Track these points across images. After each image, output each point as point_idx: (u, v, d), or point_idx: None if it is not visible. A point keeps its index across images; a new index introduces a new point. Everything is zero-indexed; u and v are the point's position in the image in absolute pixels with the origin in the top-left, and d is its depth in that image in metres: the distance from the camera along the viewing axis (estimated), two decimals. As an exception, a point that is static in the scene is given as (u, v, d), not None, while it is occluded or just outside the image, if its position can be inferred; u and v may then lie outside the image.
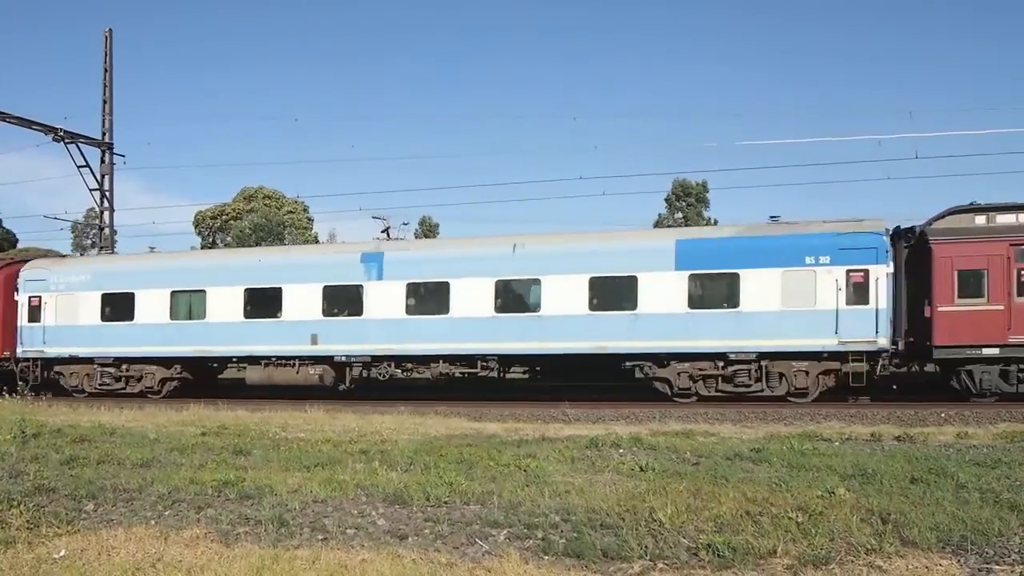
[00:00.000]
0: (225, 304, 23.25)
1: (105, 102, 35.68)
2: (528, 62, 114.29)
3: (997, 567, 6.25)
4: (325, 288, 22.51)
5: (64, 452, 11.85)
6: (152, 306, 23.89)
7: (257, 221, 51.04)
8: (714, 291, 20.07)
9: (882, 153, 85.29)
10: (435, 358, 21.95)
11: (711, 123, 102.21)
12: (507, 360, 22.48)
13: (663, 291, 20.09)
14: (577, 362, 21.35)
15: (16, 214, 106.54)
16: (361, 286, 22.27)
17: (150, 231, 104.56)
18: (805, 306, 19.21)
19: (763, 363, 19.58)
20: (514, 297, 21.41)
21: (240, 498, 8.79)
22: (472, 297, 21.25)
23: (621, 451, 11.41)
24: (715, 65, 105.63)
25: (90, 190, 35.59)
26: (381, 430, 14.61)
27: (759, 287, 19.49)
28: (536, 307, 20.97)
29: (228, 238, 52.79)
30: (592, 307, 20.57)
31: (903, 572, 6.22)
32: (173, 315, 23.80)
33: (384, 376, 22.40)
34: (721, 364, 19.84)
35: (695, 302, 20.02)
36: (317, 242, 50.55)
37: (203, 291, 23.56)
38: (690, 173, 48.14)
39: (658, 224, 47.20)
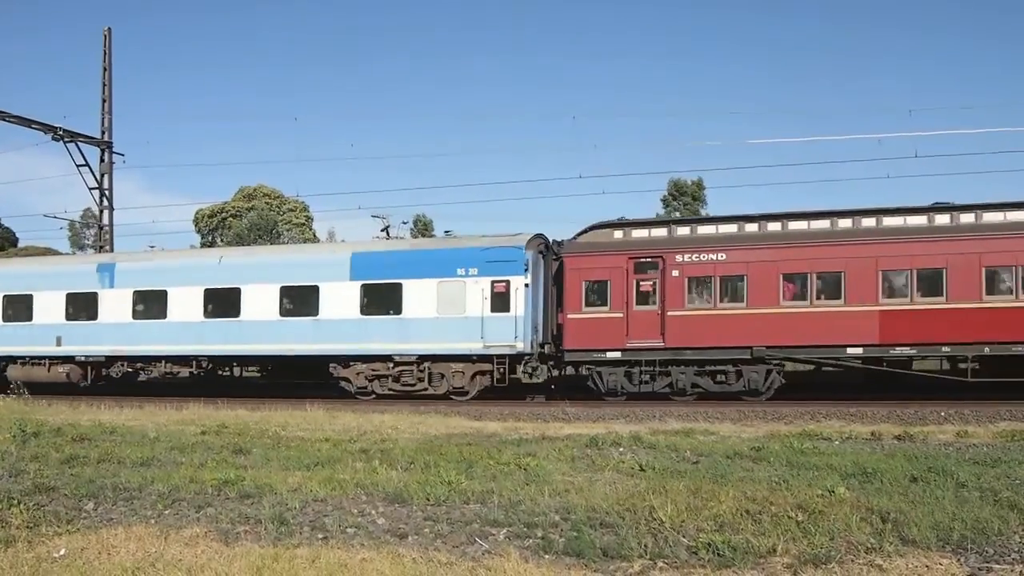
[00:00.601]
0: None
1: (104, 101, 35.66)
2: (527, 62, 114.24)
3: (997, 566, 6.25)
4: (68, 295, 25.17)
5: (64, 451, 11.84)
6: None
7: (253, 220, 51.03)
8: (382, 299, 22.15)
9: (882, 151, 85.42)
10: (158, 358, 24.65)
11: (710, 122, 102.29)
12: (217, 360, 24.92)
13: (340, 299, 22.36)
14: (276, 362, 24.22)
15: (16, 213, 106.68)
16: (97, 293, 24.87)
17: (150, 230, 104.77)
18: (457, 313, 21.31)
19: (426, 364, 21.67)
20: (220, 304, 23.69)
21: (240, 497, 8.79)
22: (186, 303, 23.80)
23: (621, 450, 11.41)
24: (714, 64, 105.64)
25: (89, 189, 35.63)
26: (381, 429, 14.62)
27: (419, 296, 21.69)
28: (237, 313, 23.29)
29: (228, 236, 52.79)
30: (282, 313, 23.02)
31: (903, 571, 6.22)
32: None
33: (118, 374, 25.21)
34: (391, 365, 21.93)
35: (367, 309, 22.21)
36: (316, 240, 50.60)
37: None
38: (687, 172, 48.08)
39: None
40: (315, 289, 22.58)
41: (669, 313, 20.12)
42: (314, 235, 54.58)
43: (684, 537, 6.98)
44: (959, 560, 6.36)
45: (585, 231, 21.74)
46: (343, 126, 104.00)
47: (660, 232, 21.34)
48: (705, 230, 21.05)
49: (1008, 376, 18.64)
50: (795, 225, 20.32)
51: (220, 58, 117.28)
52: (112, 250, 35.12)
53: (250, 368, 27.13)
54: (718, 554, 6.53)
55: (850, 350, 19.42)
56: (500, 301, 20.98)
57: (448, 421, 16.45)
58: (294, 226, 54.43)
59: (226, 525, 7.80)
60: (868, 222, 20.01)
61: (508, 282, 21.00)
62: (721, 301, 20.08)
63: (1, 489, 9.11)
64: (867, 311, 19.06)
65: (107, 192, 35.92)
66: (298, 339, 22.58)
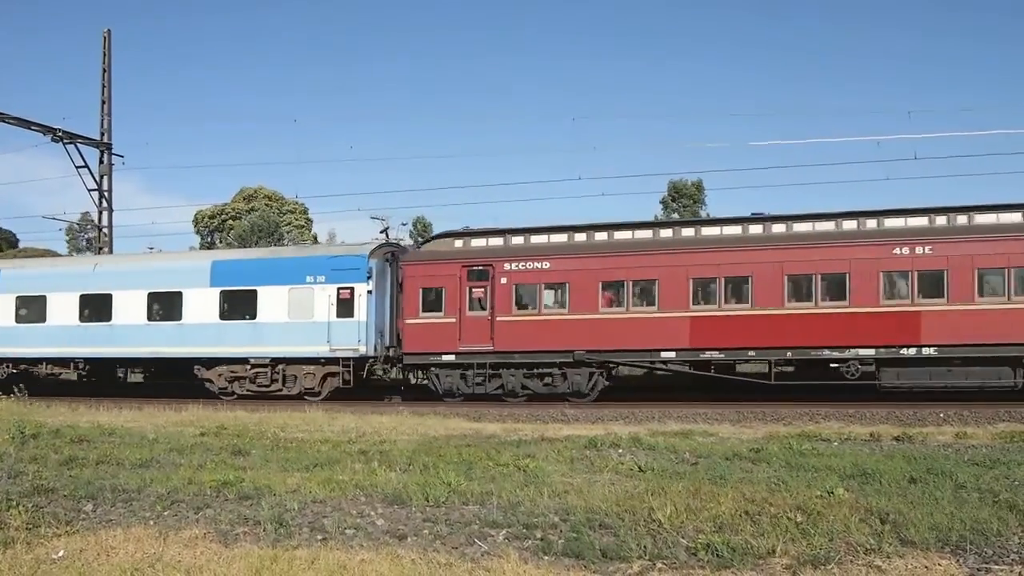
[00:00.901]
0: None
1: (104, 102, 35.67)
2: (527, 62, 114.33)
3: (996, 567, 6.25)
4: None
5: (63, 452, 11.83)
6: None
7: (255, 222, 51.04)
8: (239, 305, 23.29)
9: (881, 153, 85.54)
10: (40, 360, 25.87)
11: (709, 123, 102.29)
12: (93, 362, 26.04)
13: (202, 304, 23.53)
14: (148, 364, 25.83)
15: (15, 214, 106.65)
16: None
17: (149, 231, 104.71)
18: (306, 318, 22.44)
19: (280, 367, 22.85)
20: (95, 309, 24.69)
21: (239, 498, 8.78)
22: (63, 309, 24.84)
23: (620, 451, 11.41)
24: (714, 65, 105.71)
25: (89, 190, 35.64)
26: (380, 430, 14.62)
27: (272, 302, 22.85)
28: (110, 317, 24.38)
29: (229, 237, 52.79)
30: (150, 317, 24.16)
31: (902, 572, 6.22)
32: None
33: (3, 375, 25.75)
34: (248, 367, 23.10)
35: (226, 314, 23.39)
36: (317, 242, 50.61)
37: None
38: (687, 174, 48.09)
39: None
40: (179, 295, 23.85)
41: (498, 319, 21.14)
42: (314, 237, 54.57)
43: (683, 538, 6.98)
44: (958, 561, 6.37)
45: (429, 240, 23.21)
46: (343, 127, 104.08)
47: (494, 241, 22.31)
48: (533, 240, 22.00)
49: (813, 379, 20.15)
50: (620, 235, 21.52)
51: (220, 59, 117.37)
52: (112, 251, 35.17)
53: (136, 369, 28.45)
54: (717, 555, 6.53)
55: (664, 354, 20.43)
56: (345, 307, 22.13)
57: (447, 422, 16.45)
58: (294, 228, 54.44)
59: (225, 526, 7.80)
60: (688, 232, 21.28)
61: (352, 289, 22.13)
62: (546, 307, 21.15)
63: (0, 490, 9.10)
64: (679, 317, 20.06)
65: (106, 193, 35.93)
66: (165, 342, 23.83)
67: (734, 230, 20.67)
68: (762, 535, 6.91)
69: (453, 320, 21.33)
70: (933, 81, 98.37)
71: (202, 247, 51.66)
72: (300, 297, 22.57)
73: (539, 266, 21.06)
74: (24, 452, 11.84)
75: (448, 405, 20.29)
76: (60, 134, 33.82)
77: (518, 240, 22.00)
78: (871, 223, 19.88)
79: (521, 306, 21.27)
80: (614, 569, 6.46)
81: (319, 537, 7.41)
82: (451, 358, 21.46)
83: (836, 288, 19.44)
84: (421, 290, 21.75)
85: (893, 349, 19.05)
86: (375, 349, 22.18)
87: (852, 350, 19.28)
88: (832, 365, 19.91)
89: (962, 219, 19.47)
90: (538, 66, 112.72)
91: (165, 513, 8.35)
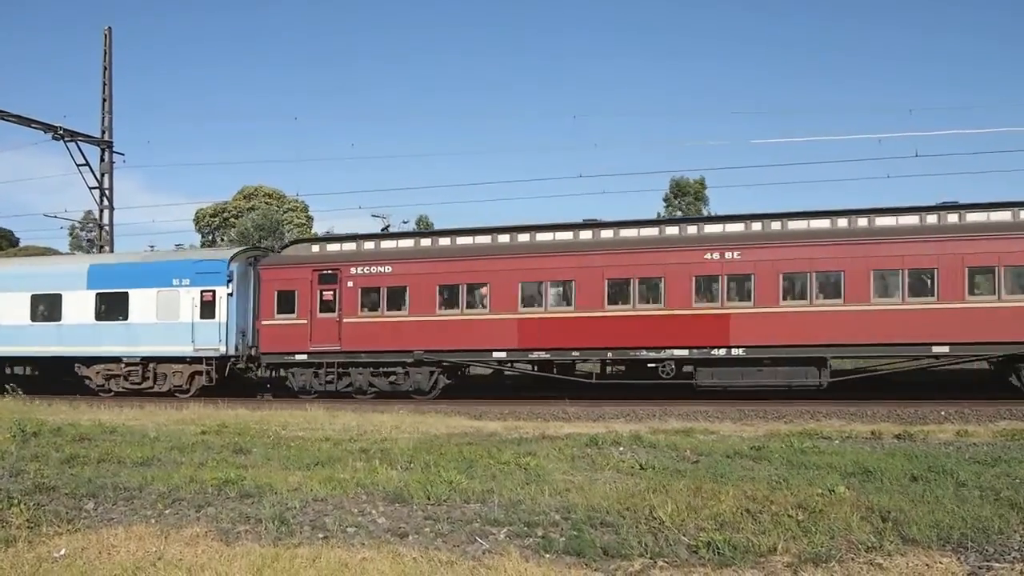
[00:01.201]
0: None
1: (104, 100, 35.65)
2: (527, 61, 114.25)
3: (997, 565, 6.24)
4: None
5: (64, 451, 11.85)
6: None
7: (258, 220, 51.05)
8: (114, 306, 24.50)
9: (882, 151, 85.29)
10: None
11: (710, 121, 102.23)
12: None
13: (80, 306, 24.76)
14: (34, 363, 27.06)
15: (16, 212, 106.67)
16: None
17: (149, 229, 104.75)
18: (173, 319, 23.78)
19: (151, 365, 24.16)
20: None
21: (240, 496, 8.78)
22: None
23: (621, 449, 11.41)
24: (714, 63, 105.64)
25: (90, 188, 35.62)
26: (381, 429, 14.62)
27: (143, 303, 24.19)
28: None
29: (230, 235, 52.79)
30: (33, 318, 25.33)
31: (903, 570, 6.21)
32: None
33: None
34: (122, 365, 24.41)
35: (101, 315, 24.59)
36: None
37: None
38: (688, 171, 48.11)
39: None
40: (59, 297, 25.08)
41: (345, 320, 22.42)
42: (314, 235, 54.53)
43: (684, 536, 6.98)
44: (959, 559, 6.36)
45: (287, 245, 24.47)
46: (343, 126, 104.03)
47: (347, 247, 23.86)
48: (376, 245, 23.51)
49: (633, 378, 21.48)
50: (462, 240, 22.79)
51: (220, 57, 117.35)
52: (112, 250, 35.18)
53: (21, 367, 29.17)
54: (718, 553, 6.52)
55: (495, 354, 21.57)
56: (208, 309, 23.53)
57: (448, 420, 16.46)
58: (295, 226, 54.43)
59: (226, 525, 7.80)
60: (523, 237, 22.32)
61: (214, 291, 23.55)
62: (388, 309, 22.25)
63: (1, 489, 9.11)
64: (508, 319, 21.16)
65: (107, 191, 35.92)
66: (47, 342, 25.12)
67: (565, 236, 22.05)
68: (763, 533, 6.91)
69: (305, 321, 22.67)
70: (934, 79, 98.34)
71: (203, 245, 51.65)
72: (167, 299, 23.93)
73: (382, 270, 22.33)
74: (25, 450, 11.86)
75: (449, 404, 20.33)
76: (61, 132, 33.79)
77: (369, 245, 23.50)
78: (691, 229, 21.18)
79: (366, 308, 22.43)
80: (615, 567, 6.46)
81: (320, 535, 7.41)
82: (303, 357, 22.76)
83: (652, 292, 20.56)
84: (276, 293, 23.04)
85: (705, 350, 20.08)
86: (237, 349, 23.58)
87: (667, 350, 20.31)
88: (650, 365, 20.93)
89: (776, 225, 20.56)
90: (538, 64, 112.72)
91: (166, 511, 8.35)
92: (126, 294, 24.30)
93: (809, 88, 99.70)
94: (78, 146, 34.62)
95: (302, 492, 8.82)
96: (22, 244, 55.41)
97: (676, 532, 7.07)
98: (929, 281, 19.00)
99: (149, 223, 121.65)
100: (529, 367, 22.14)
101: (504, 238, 22.33)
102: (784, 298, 19.66)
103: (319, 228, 56.64)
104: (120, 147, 37.89)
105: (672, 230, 21.29)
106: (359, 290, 22.40)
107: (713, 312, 19.94)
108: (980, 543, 6.66)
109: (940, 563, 6.29)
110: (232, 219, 54.36)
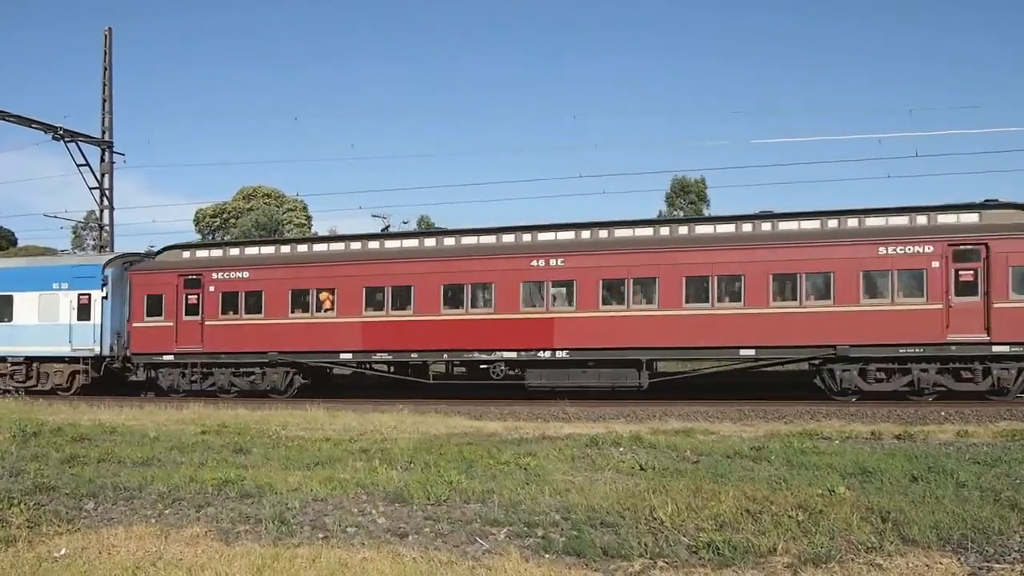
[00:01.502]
0: None
1: (105, 101, 35.66)
2: (527, 61, 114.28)
3: (997, 565, 6.24)
4: None
5: (64, 451, 11.85)
6: None
7: (259, 220, 51.09)
8: None
9: (882, 151, 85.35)
10: None
11: (711, 121, 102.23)
12: None
13: None
14: None
15: (16, 213, 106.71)
16: None
17: (150, 229, 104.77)
18: (53, 321, 25.18)
19: (34, 365, 25.60)
20: None
21: (240, 496, 8.79)
22: None
23: (621, 449, 11.41)
24: (715, 63, 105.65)
25: (90, 189, 35.62)
26: (381, 429, 14.62)
27: (26, 306, 25.62)
28: None
29: (229, 236, 52.79)
30: None
31: (903, 570, 6.21)
32: None
33: None
34: (8, 365, 25.69)
35: None
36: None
37: None
38: (688, 171, 48.20)
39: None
40: None
41: (207, 323, 23.75)
42: (314, 234, 54.60)
43: (684, 536, 6.98)
44: (959, 559, 6.36)
45: (160, 251, 25.73)
46: (344, 125, 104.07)
47: (215, 253, 25.14)
48: (240, 251, 24.68)
49: (474, 379, 22.62)
50: (318, 247, 24.13)
51: (220, 58, 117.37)
52: (113, 250, 35.19)
53: None
54: (718, 553, 6.52)
55: (343, 355, 22.71)
56: (84, 311, 24.95)
57: (448, 421, 16.46)
58: (295, 226, 54.47)
59: (226, 524, 7.80)
60: (373, 245, 23.41)
61: (90, 295, 24.94)
62: (246, 313, 23.42)
63: (1, 488, 9.11)
64: (353, 322, 22.35)
65: (107, 192, 35.93)
66: None
67: (412, 243, 23.18)
68: (763, 533, 6.91)
69: (171, 324, 24.06)
70: (934, 79, 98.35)
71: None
72: (48, 302, 25.35)
73: (240, 276, 23.66)
74: (25, 450, 11.87)
75: (449, 404, 20.36)
76: (61, 132, 33.80)
77: (234, 252, 24.72)
78: (526, 237, 21.97)
79: (226, 312, 23.62)
80: (615, 567, 6.46)
81: (320, 535, 7.41)
82: (170, 358, 24.15)
83: (484, 296, 21.50)
84: (145, 296, 24.40)
85: (532, 352, 20.99)
86: (111, 349, 24.98)
87: (498, 352, 21.28)
88: (482, 367, 21.89)
89: (603, 233, 21.40)
90: (538, 64, 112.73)
91: (166, 511, 8.35)
92: (11, 297, 25.75)
93: (809, 88, 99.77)
94: (78, 146, 34.63)
95: (302, 492, 8.82)
96: (22, 244, 55.48)
97: (676, 532, 7.07)
98: (737, 288, 19.78)
99: (150, 223, 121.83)
100: (385, 368, 23.19)
101: (356, 245, 23.60)
102: (604, 303, 20.56)
103: (319, 228, 56.73)
104: (120, 147, 37.96)
105: (508, 238, 22.18)
106: (220, 295, 23.74)
107: (539, 316, 20.95)
108: (980, 544, 6.66)
109: (940, 564, 6.29)
110: (233, 219, 54.39)
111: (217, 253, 24.98)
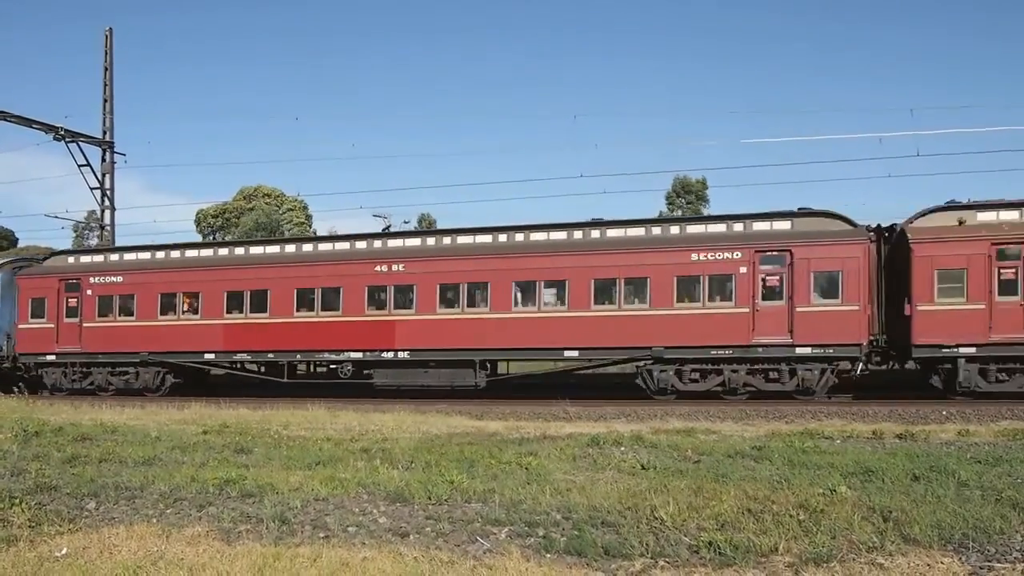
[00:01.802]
0: None
1: (106, 101, 35.69)
2: (529, 60, 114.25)
3: (998, 565, 6.24)
4: None
5: (66, 450, 11.86)
6: None
7: (259, 219, 51.12)
8: None
9: (883, 150, 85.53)
10: None
11: (712, 121, 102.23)
12: None
13: None
14: None
15: (17, 213, 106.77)
16: None
17: (150, 229, 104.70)
18: None
19: None
20: None
21: (242, 496, 8.79)
22: None
23: (622, 449, 11.41)
24: (715, 63, 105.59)
25: (91, 189, 35.69)
26: (382, 428, 14.62)
27: None
28: None
29: (230, 236, 52.84)
30: None
31: (905, 570, 6.21)
32: None
33: None
34: None
35: None
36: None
37: None
38: (689, 171, 48.24)
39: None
40: None
41: (85, 325, 25.12)
42: (314, 233, 54.66)
43: (686, 536, 6.98)
44: (961, 559, 6.36)
45: (49, 256, 27.18)
46: (343, 126, 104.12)
47: (96, 258, 26.43)
48: (120, 257, 25.97)
49: (330, 379, 23.63)
50: (190, 253, 25.35)
51: (221, 57, 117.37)
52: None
53: None
54: (720, 553, 6.52)
55: (206, 355, 23.98)
56: None
57: (449, 420, 16.46)
58: (295, 226, 54.51)
59: (228, 524, 7.81)
60: (239, 251, 24.82)
61: None
62: (120, 315, 24.84)
63: (3, 488, 9.12)
64: (216, 324, 23.61)
65: (108, 192, 35.97)
66: None
67: (273, 249, 24.50)
68: (764, 533, 6.91)
69: (53, 326, 25.48)
70: (935, 78, 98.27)
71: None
72: None
73: (115, 280, 25.03)
74: (27, 450, 11.88)
75: (450, 404, 20.39)
76: (62, 132, 33.85)
77: (114, 258, 26.05)
78: (377, 244, 23.06)
79: (103, 314, 24.99)
80: (616, 567, 6.46)
81: (321, 535, 7.42)
82: (52, 358, 25.58)
83: (333, 300, 22.54)
84: (30, 299, 25.83)
85: (377, 353, 22.05)
86: (2, 350, 26.27)
87: (346, 353, 22.37)
88: (332, 366, 23.13)
89: (447, 240, 22.48)
90: (538, 64, 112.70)
91: (168, 511, 8.36)
92: None
93: (809, 88, 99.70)
94: (79, 146, 34.68)
95: (303, 492, 8.82)
96: (22, 244, 55.51)
97: (677, 532, 7.07)
98: (562, 292, 20.72)
99: (151, 223, 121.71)
100: (255, 368, 24.22)
101: (223, 251, 25.15)
102: (442, 306, 21.62)
103: (319, 227, 56.80)
104: (121, 147, 37.87)
105: (361, 244, 23.26)
106: (97, 298, 25.02)
107: (382, 318, 22.00)
108: (981, 543, 6.66)
109: (941, 563, 6.29)
110: (233, 219, 54.44)
111: (98, 259, 26.33)
